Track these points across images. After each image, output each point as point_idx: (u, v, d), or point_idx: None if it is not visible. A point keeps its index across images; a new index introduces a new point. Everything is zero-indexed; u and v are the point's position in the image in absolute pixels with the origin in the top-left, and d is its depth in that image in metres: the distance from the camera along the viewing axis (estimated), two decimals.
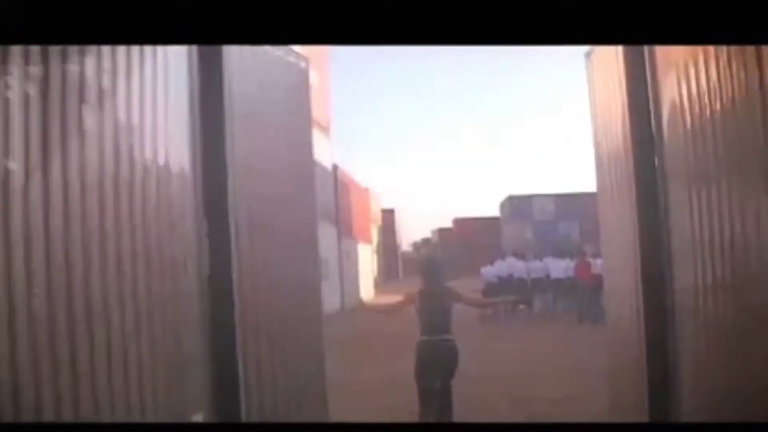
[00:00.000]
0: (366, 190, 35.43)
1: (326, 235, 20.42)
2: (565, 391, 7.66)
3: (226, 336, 4.55)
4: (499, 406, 7.47)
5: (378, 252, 41.90)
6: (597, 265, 15.73)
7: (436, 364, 5.26)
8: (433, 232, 59.88)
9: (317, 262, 5.99)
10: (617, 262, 5.87)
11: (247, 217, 4.81)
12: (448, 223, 55.67)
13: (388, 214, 48.71)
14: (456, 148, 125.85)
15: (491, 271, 17.37)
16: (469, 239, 45.58)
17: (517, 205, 38.01)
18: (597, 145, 6.10)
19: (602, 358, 6.48)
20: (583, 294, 15.08)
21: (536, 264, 17.70)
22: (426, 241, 64.96)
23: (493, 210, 46.38)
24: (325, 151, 20.86)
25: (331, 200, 21.53)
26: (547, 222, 35.47)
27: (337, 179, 22.47)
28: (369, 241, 32.77)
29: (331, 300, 20.31)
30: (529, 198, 37.94)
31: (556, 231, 33.76)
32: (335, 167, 22.40)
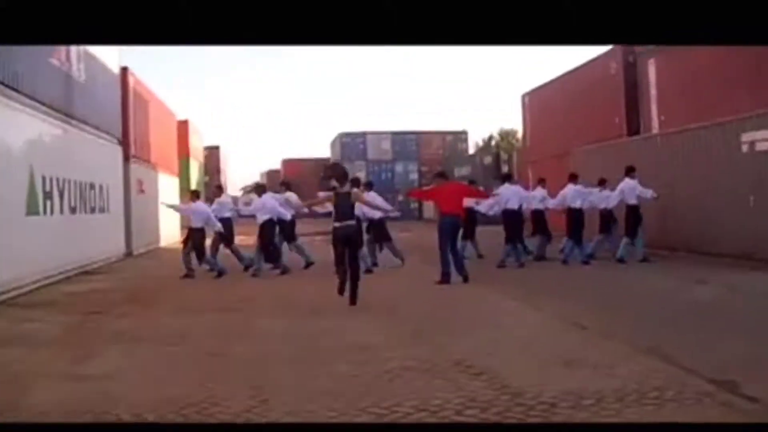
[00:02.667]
0: (185, 121, 31.54)
1: (106, 157, 15.60)
2: None
3: None
4: None
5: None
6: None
7: (345, 240, 8.54)
8: (262, 174, 56.18)
9: None
10: None
11: None
12: (277, 165, 52.09)
13: (214, 151, 43.75)
14: (289, 86, 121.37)
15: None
16: (298, 180, 42.18)
17: (350, 143, 34.92)
18: None
19: None
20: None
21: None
22: (255, 185, 60.63)
23: (326, 151, 43.44)
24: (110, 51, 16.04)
25: (115, 112, 16.70)
26: (382, 161, 32.79)
27: (128, 89, 17.62)
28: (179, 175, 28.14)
29: (113, 240, 15.97)
30: (363, 135, 35.03)
31: (392, 171, 31.31)
32: (124, 71, 17.38)
